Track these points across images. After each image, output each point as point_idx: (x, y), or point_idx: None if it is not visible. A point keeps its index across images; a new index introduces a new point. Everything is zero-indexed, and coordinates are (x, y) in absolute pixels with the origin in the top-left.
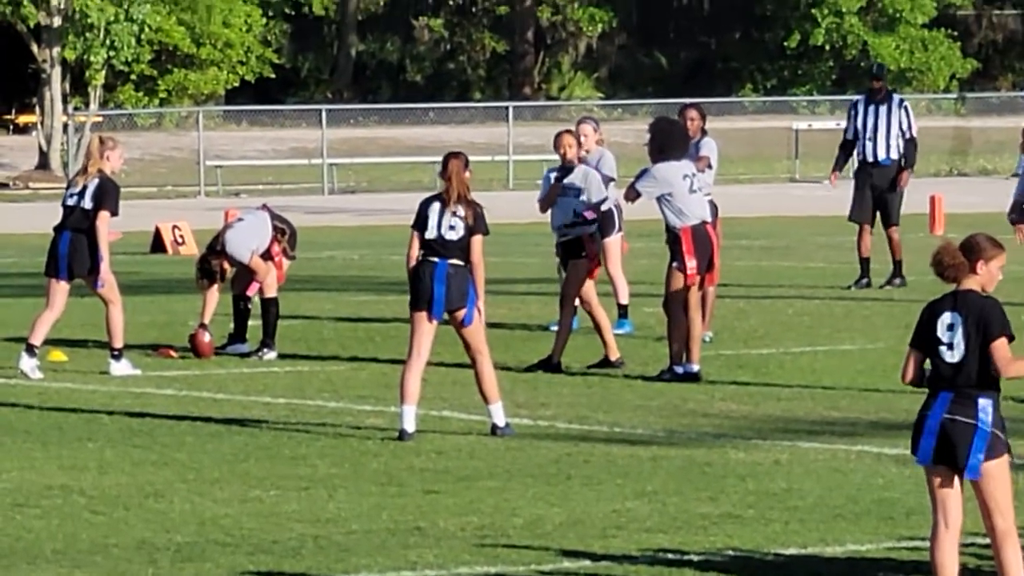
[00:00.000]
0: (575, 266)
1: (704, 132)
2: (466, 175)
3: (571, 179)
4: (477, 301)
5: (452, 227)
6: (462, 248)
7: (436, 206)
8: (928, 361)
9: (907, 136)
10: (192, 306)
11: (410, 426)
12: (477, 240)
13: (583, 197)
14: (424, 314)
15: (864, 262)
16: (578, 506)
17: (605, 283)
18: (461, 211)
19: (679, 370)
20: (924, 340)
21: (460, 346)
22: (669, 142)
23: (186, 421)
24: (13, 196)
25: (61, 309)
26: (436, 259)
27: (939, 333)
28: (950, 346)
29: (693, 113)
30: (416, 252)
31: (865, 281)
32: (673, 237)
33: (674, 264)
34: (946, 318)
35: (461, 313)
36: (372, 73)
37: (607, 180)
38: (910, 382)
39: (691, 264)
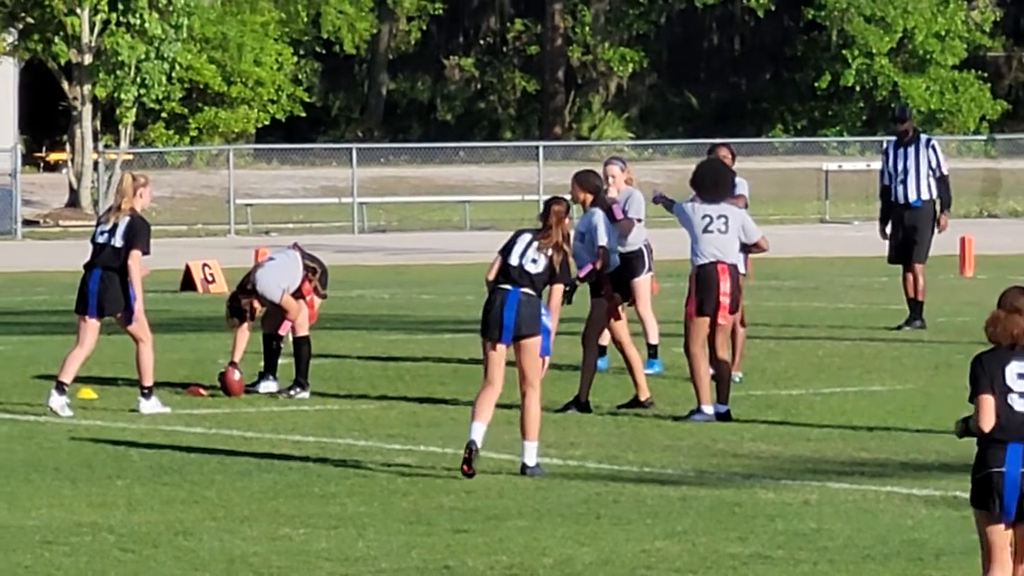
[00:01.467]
0: (596, 305)
1: (733, 172)
2: (566, 221)
3: (580, 225)
4: (551, 335)
5: (535, 261)
6: (537, 283)
7: (527, 237)
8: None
9: (938, 175)
10: (222, 344)
11: (478, 439)
12: (557, 289)
13: (586, 244)
14: (494, 341)
15: (910, 302)
16: (608, 546)
17: (635, 322)
18: (550, 252)
19: (708, 410)
20: (992, 387)
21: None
22: (702, 183)
23: (216, 459)
24: (43, 233)
25: (91, 346)
26: (509, 287)
27: (1009, 382)
28: (1023, 395)
29: (724, 152)
30: (494, 274)
31: (918, 323)
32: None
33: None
34: (1015, 367)
35: (528, 341)
36: (403, 112)
37: (633, 221)
38: (991, 429)
39: (692, 304)
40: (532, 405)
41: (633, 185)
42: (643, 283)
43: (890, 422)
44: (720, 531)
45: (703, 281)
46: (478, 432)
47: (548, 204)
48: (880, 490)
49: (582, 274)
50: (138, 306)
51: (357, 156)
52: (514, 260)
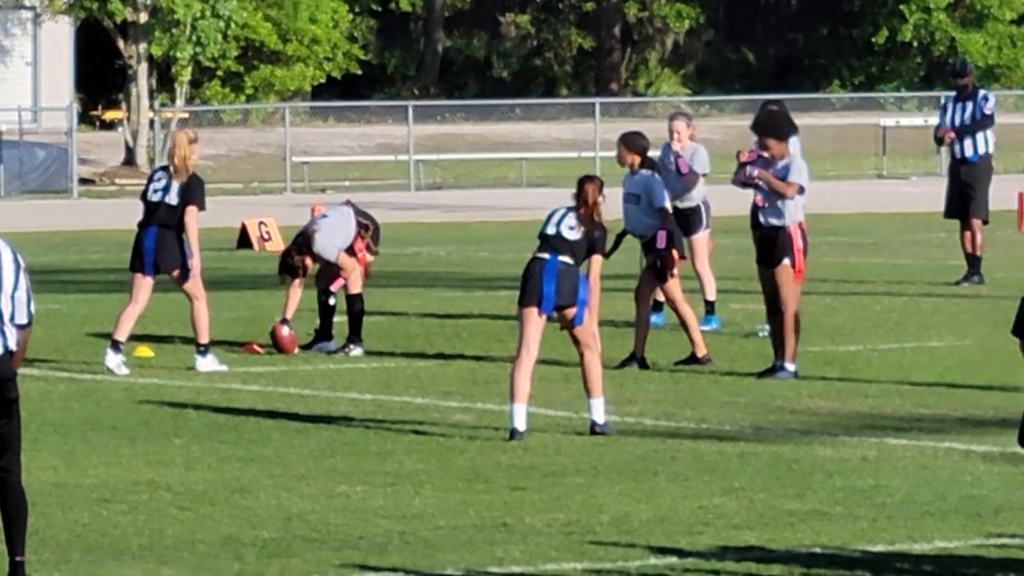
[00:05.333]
0: (651, 262)
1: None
2: (600, 198)
3: (631, 187)
4: (588, 302)
5: (572, 228)
6: (575, 251)
7: (562, 209)
8: None
9: (980, 115)
10: (278, 302)
11: (521, 424)
12: (596, 260)
13: (641, 205)
14: (533, 310)
15: (969, 258)
16: (665, 502)
17: (691, 279)
18: (586, 227)
19: (791, 367)
20: None
21: (549, 343)
22: (765, 126)
23: (272, 417)
24: (99, 192)
25: (144, 304)
26: (547, 255)
27: None
28: None
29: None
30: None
31: (976, 278)
32: (783, 234)
33: (786, 261)
34: None
35: (571, 311)
36: (459, 69)
37: (698, 175)
38: None
39: (802, 261)
40: (592, 363)
41: (696, 140)
42: (701, 239)
43: (948, 378)
44: (778, 487)
45: (805, 240)
46: (520, 417)
47: (583, 182)
48: (938, 446)
49: (661, 244)
50: (195, 263)
51: (413, 113)
52: (551, 229)
